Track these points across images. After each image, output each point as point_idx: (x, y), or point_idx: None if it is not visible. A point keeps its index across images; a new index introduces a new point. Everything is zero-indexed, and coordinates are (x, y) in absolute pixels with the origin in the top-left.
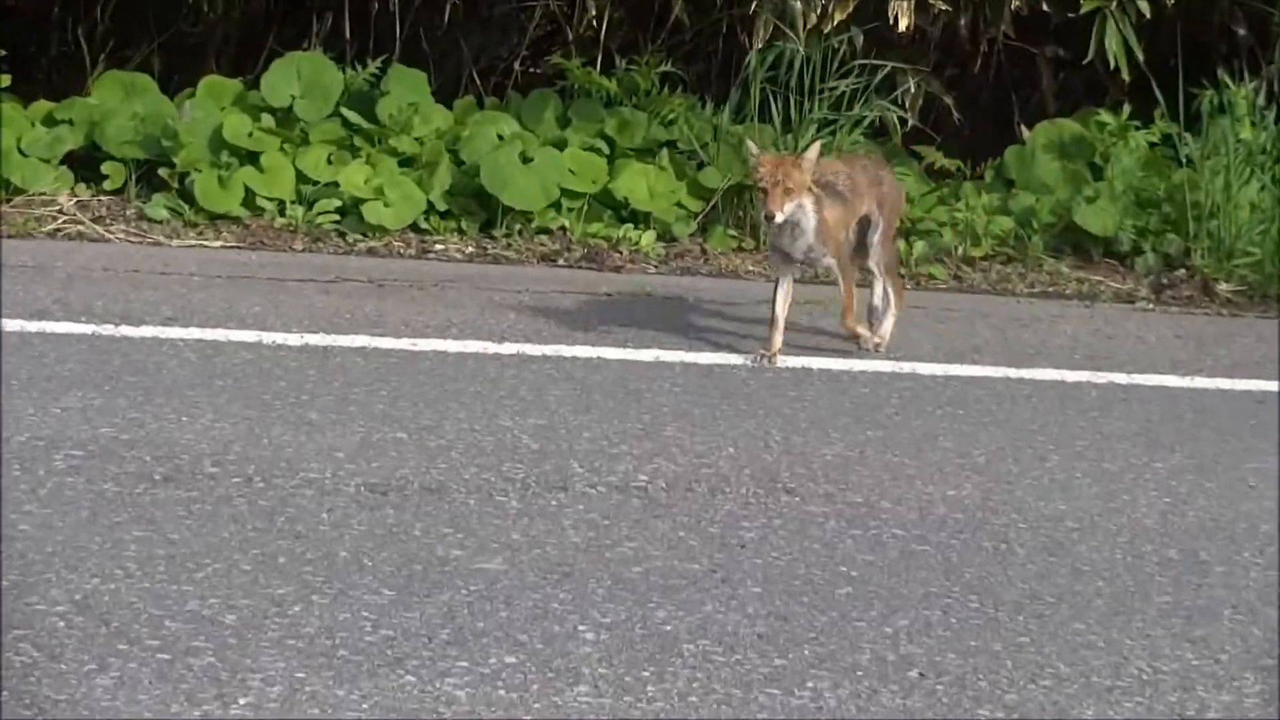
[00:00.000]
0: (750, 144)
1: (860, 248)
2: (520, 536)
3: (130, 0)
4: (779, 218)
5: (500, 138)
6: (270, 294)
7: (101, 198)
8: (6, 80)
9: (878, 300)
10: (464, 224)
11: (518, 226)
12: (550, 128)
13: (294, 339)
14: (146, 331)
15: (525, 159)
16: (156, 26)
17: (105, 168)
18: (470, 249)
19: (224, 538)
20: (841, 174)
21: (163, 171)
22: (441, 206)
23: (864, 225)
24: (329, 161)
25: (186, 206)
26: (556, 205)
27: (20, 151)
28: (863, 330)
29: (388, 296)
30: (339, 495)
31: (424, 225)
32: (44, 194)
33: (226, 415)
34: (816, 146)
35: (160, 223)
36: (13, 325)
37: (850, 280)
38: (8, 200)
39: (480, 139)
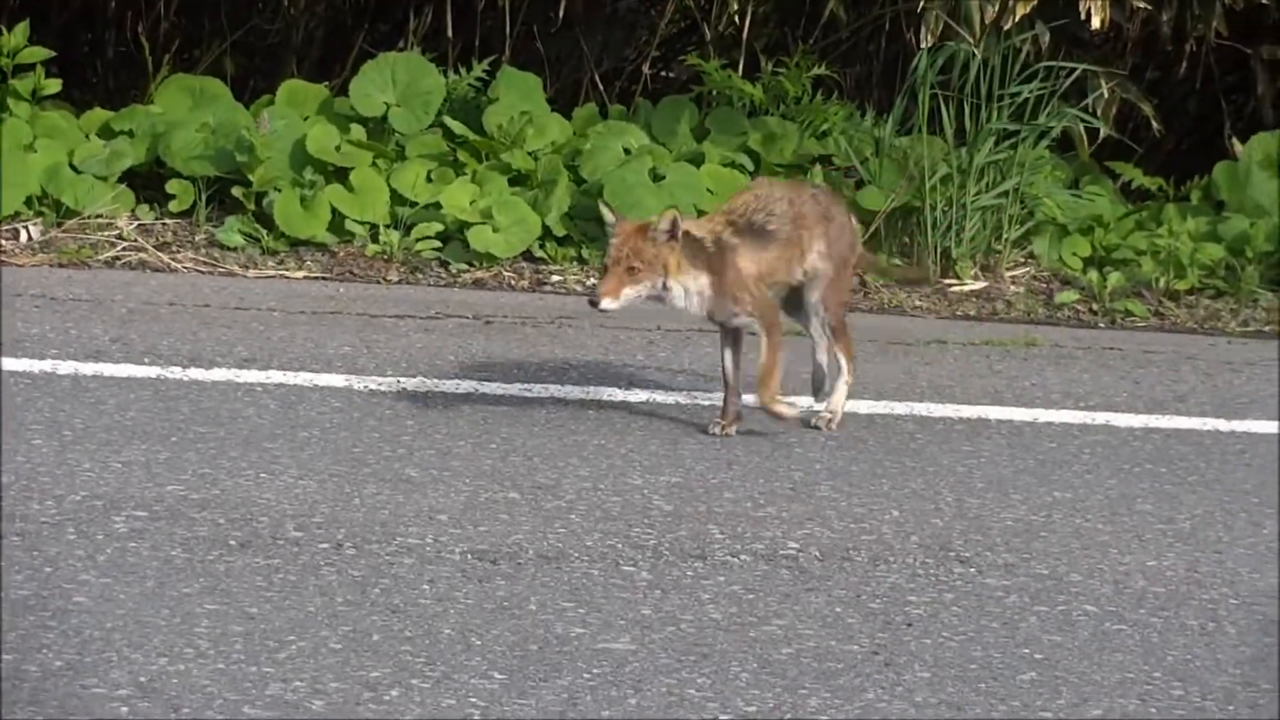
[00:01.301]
0: (607, 211)
1: (796, 305)
2: (651, 612)
3: None
4: (608, 306)
5: (627, 152)
6: (361, 332)
7: (166, 221)
8: (56, 86)
9: (822, 356)
10: (585, 252)
11: None
12: (685, 140)
13: (389, 384)
14: (219, 375)
15: (656, 176)
16: (229, 24)
17: (170, 186)
18: (592, 280)
19: (310, 612)
20: (778, 206)
21: (236, 191)
22: (559, 231)
23: (805, 277)
24: (429, 179)
25: (264, 231)
26: None
27: (73, 168)
28: (785, 409)
29: (497, 335)
30: (442, 564)
31: (539, 253)
32: (100, 216)
33: (312, 472)
34: (671, 215)
35: (234, 250)
36: (66, 368)
37: (776, 342)
38: (59, 224)
39: (603, 153)
